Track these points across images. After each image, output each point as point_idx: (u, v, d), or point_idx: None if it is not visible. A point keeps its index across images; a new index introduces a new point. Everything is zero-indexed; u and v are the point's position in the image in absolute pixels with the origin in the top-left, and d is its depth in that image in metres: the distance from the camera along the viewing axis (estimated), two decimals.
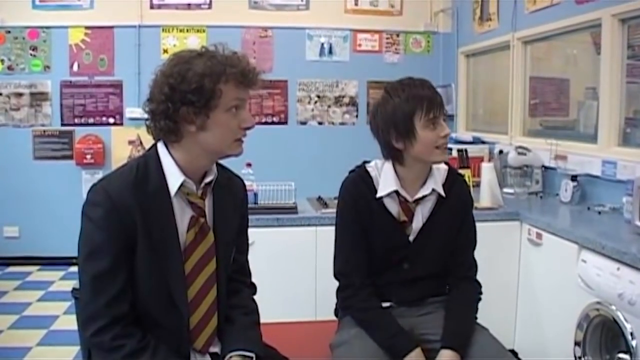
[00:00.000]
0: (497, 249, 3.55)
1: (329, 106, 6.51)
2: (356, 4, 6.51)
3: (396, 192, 2.22)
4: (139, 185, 1.73)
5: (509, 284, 3.64)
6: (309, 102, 6.48)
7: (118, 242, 1.69)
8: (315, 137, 6.47)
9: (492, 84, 5.77)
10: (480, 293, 2.35)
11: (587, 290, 2.90)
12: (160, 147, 1.81)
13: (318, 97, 6.50)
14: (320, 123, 6.53)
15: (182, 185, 1.78)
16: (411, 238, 2.25)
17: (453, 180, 2.32)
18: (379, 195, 2.22)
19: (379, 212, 2.22)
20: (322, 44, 6.48)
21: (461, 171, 3.60)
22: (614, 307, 2.70)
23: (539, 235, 3.39)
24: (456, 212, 2.30)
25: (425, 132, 2.11)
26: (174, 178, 1.77)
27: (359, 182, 2.26)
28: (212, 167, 1.88)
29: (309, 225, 3.48)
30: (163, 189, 1.76)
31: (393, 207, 2.24)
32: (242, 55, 1.82)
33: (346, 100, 6.53)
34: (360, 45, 6.54)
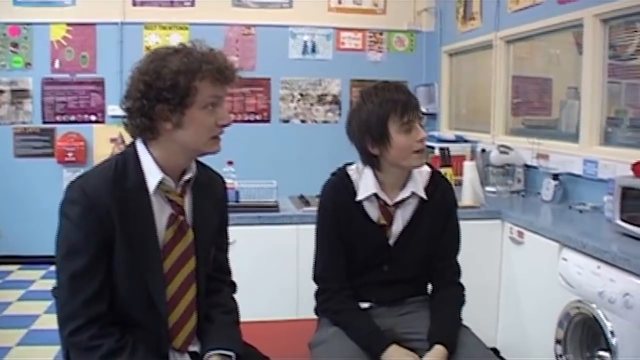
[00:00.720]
0: (479, 247, 3.56)
1: (312, 104, 6.50)
2: (340, 2, 6.51)
3: (376, 195, 2.21)
4: (117, 183, 1.71)
5: (490, 282, 3.65)
6: (291, 100, 6.47)
7: (95, 240, 1.67)
8: (298, 135, 6.47)
9: (475, 83, 5.78)
10: (464, 296, 2.35)
11: (568, 289, 2.91)
12: (139, 144, 1.80)
13: (301, 95, 6.50)
14: (302, 121, 6.53)
15: (161, 183, 1.77)
16: (391, 241, 2.25)
17: (436, 183, 2.30)
18: (358, 198, 2.21)
19: (359, 216, 2.22)
20: (306, 42, 6.47)
21: (443, 170, 3.63)
22: (594, 305, 2.71)
23: (520, 234, 3.40)
24: (439, 215, 2.29)
25: (400, 137, 2.10)
26: (153, 176, 1.76)
27: (339, 186, 2.25)
28: (190, 164, 1.87)
29: (290, 223, 3.48)
30: (141, 186, 1.75)
31: (373, 210, 2.23)
32: (220, 52, 1.81)
33: (329, 98, 6.53)
34: (343, 43, 6.54)
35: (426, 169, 2.31)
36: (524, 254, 3.41)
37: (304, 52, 6.48)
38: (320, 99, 6.52)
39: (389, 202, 2.22)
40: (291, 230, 3.45)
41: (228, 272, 2.12)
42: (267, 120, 6.47)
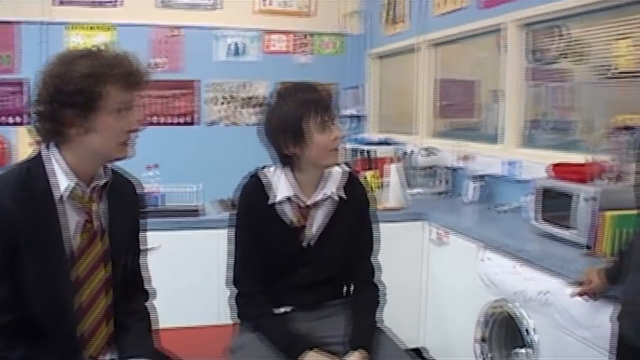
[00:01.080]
0: (403, 248, 3.60)
1: (239, 107, 6.45)
2: (267, 4, 6.46)
3: (292, 197, 2.20)
4: (22, 188, 1.65)
5: (415, 283, 3.69)
6: (218, 103, 6.39)
7: (0, 248, 1.61)
8: (225, 138, 6.38)
9: (402, 86, 5.83)
10: (384, 295, 2.35)
11: (488, 289, 2.97)
12: (50, 149, 1.74)
13: (229, 97, 6.42)
14: (230, 124, 6.46)
15: (70, 188, 1.71)
16: (308, 243, 2.23)
17: (351, 183, 2.30)
18: (273, 201, 2.20)
19: (274, 219, 2.20)
20: (233, 44, 6.40)
21: (366, 172, 3.65)
22: (513, 304, 2.77)
23: (442, 235, 3.45)
24: (354, 215, 2.29)
25: (317, 136, 2.10)
26: (61, 181, 1.70)
27: (253, 189, 2.23)
28: (101, 170, 1.82)
29: (213, 227, 3.42)
30: (47, 191, 1.69)
31: (289, 212, 2.22)
32: (131, 55, 1.75)
33: (256, 101, 6.48)
34: (270, 45, 6.50)
35: (342, 169, 2.31)
36: (446, 254, 3.46)
37: (231, 54, 6.41)
38: (248, 101, 6.46)
39: (306, 203, 2.21)
40: (213, 235, 3.38)
41: (144, 279, 2.07)
42: (193, 123, 6.38)
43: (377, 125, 6.37)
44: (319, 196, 2.22)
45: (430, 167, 4.39)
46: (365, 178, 3.71)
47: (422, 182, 4.38)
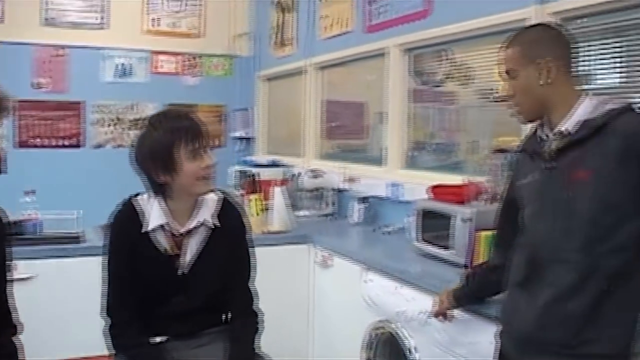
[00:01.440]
0: (289, 271, 3.58)
1: (127, 129, 6.27)
2: (155, 25, 6.35)
3: (165, 225, 2.14)
4: None
5: (302, 306, 3.67)
6: (104, 125, 6.19)
7: None
8: (112, 161, 6.15)
9: (291, 108, 5.85)
10: (262, 322, 2.32)
11: (371, 310, 2.99)
12: None
13: (116, 119, 6.24)
14: (116, 146, 6.27)
15: None
16: (183, 271, 2.18)
17: (227, 210, 2.27)
18: (146, 229, 2.13)
19: (148, 247, 2.14)
20: (121, 65, 6.24)
21: (251, 196, 3.61)
22: (395, 325, 2.80)
23: (327, 258, 3.45)
24: (230, 243, 2.25)
25: (188, 164, 2.05)
26: None
27: (126, 217, 2.17)
28: None
29: (94, 254, 3.26)
30: None
31: (162, 240, 2.16)
32: None
33: (144, 123, 6.30)
34: (159, 66, 6.38)
35: (217, 196, 2.27)
36: (331, 276, 3.46)
37: (119, 74, 6.24)
38: (135, 123, 6.28)
39: (179, 231, 2.16)
40: (95, 262, 3.24)
41: (9, 312, 1.95)
42: (79, 146, 6.16)
43: (266, 147, 6.36)
44: (192, 224, 2.17)
45: (317, 189, 4.40)
46: (251, 201, 3.66)
47: (309, 205, 4.38)
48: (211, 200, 2.24)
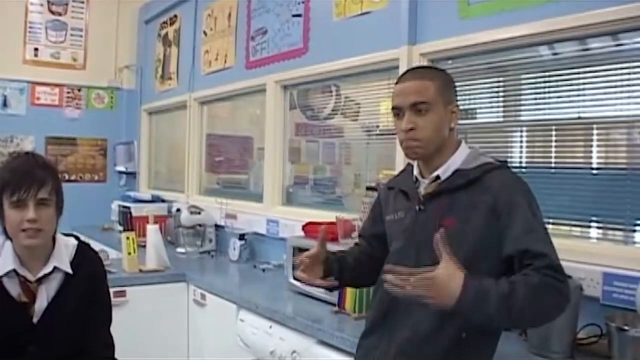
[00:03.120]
0: (166, 310, 3.50)
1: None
2: (36, 55, 6.14)
3: (15, 271, 2.05)
4: None
5: (179, 345, 3.58)
6: None
7: None
8: None
9: (174, 142, 5.79)
10: None
11: (246, 349, 2.95)
12: None
13: None
14: None
15: None
16: (35, 320, 2.08)
17: (82, 256, 2.19)
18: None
19: (1, 293, 2.03)
20: None
21: (125, 234, 3.52)
22: None
23: (203, 296, 3.40)
24: (85, 290, 2.16)
25: (10, 212, 1.98)
26: None
27: None
28: None
29: None
30: None
31: (13, 287, 2.05)
32: None
33: None
34: (38, 98, 6.16)
35: (72, 241, 2.19)
36: (206, 315, 3.40)
37: None
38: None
39: (30, 277, 2.06)
40: None
41: None
42: None
43: (149, 182, 6.25)
44: (44, 271, 2.08)
45: (196, 226, 4.33)
46: (127, 239, 3.56)
47: (189, 241, 4.31)
48: (67, 246, 2.16)
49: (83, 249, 2.21)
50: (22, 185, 1.97)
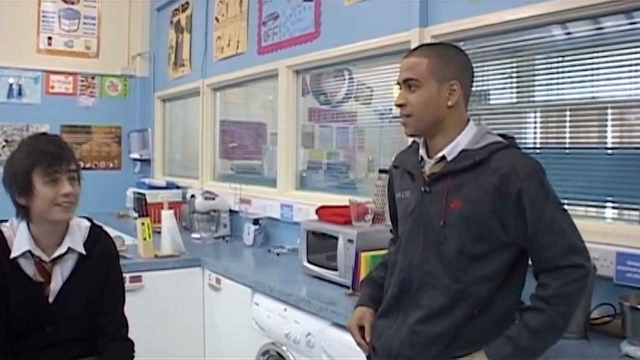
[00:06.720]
0: (181, 294, 3.54)
1: None
2: (49, 45, 6.17)
3: (32, 251, 2.08)
4: None
5: (195, 329, 3.62)
6: None
7: None
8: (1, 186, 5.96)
9: (188, 129, 5.81)
10: (133, 351, 2.27)
11: (261, 332, 2.98)
12: None
13: (6, 141, 6.01)
14: None
15: None
16: (51, 299, 2.11)
17: (95, 237, 2.22)
18: (12, 255, 2.06)
19: (14, 274, 2.05)
20: (11, 85, 6.02)
21: (140, 220, 3.55)
22: (284, 347, 2.80)
23: (218, 280, 3.42)
24: (99, 270, 2.20)
25: (44, 188, 2.01)
26: None
27: None
28: None
29: None
30: None
31: (29, 268, 2.08)
32: None
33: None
34: (53, 87, 6.20)
35: (86, 223, 2.22)
36: (221, 300, 3.43)
37: (10, 95, 6.01)
38: None
39: (45, 258, 2.09)
40: None
41: None
42: None
43: (163, 169, 6.28)
44: (59, 251, 2.11)
45: (210, 212, 4.35)
46: (142, 225, 3.58)
47: (204, 227, 4.32)
48: (80, 227, 2.19)
49: (96, 230, 2.24)
50: (55, 162, 2.01)
